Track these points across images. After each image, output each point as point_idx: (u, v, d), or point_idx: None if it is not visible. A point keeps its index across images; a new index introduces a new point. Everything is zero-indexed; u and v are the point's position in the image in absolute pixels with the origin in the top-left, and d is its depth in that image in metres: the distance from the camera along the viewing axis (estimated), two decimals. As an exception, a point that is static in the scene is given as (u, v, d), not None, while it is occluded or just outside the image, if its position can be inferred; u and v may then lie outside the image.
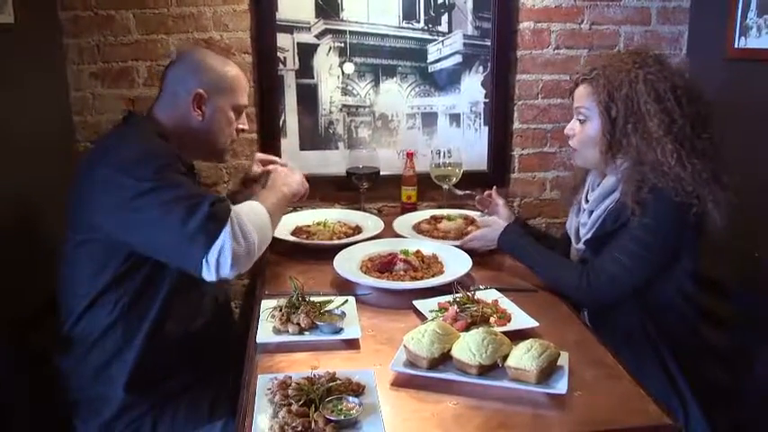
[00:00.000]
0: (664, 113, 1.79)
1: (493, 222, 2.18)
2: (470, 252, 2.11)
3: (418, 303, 1.80)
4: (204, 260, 1.56)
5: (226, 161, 2.00)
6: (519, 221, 2.28)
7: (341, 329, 1.65)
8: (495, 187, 2.39)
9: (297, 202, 2.11)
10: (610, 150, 1.88)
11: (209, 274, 1.58)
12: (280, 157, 2.70)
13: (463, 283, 1.88)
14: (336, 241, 2.25)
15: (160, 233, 1.60)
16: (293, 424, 1.24)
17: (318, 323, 1.65)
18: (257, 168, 2.21)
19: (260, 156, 2.28)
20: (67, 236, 1.76)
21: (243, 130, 2.02)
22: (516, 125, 2.85)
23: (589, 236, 1.96)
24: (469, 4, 2.72)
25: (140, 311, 1.73)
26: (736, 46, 2.47)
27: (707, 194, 1.75)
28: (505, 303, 1.80)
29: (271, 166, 2.16)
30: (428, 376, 1.44)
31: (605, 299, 1.86)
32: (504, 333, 1.54)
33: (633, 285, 1.82)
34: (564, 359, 1.48)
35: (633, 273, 1.80)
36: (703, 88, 1.88)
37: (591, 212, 1.98)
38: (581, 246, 2.00)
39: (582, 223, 2.02)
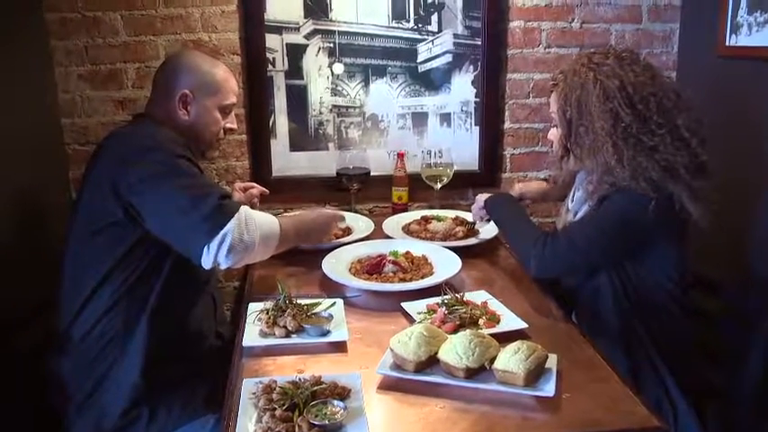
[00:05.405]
0: (609, 113, 1.76)
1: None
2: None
3: (407, 305, 1.78)
4: (207, 246, 1.64)
5: (209, 158, 2.04)
6: None
7: (328, 332, 1.64)
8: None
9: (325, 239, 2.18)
10: (566, 155, 1.89)
11: (207, 261, 1.66)
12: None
13: (452, 285, 1.87)
14: (327, 243, 2.24)
15: (171, 214, 1.68)
16: (277, 429, 1.23)
17: (305, 326, 1.63)
18: (239, 196, 2.28)
19: (239, 184, 2.38)
20: (74, 231, 1.80)
21: (231, 130, 2.05)
22: (507, 124, 2.83)
23: None
24: (459, 4, 2.71)
25: (139, 299, 1.76)
26: (727, 44, 2.45)
27: (678, 189, 1.71)
28: (495, 305, 1.78)
29: (254, 191, 2.34)
30: (415, 379, 1.43)
31: (550, 271, 1.89)
32: (493, 335, 1.53)
33: (583, 266, 1.86)
34: (552, 361, 1.47)
35: (584, 254, 1.82)
36: (665, 80, 1.85)
37: (575, 213, 1.98)
38: None
39: (568, 222, 2.01)
